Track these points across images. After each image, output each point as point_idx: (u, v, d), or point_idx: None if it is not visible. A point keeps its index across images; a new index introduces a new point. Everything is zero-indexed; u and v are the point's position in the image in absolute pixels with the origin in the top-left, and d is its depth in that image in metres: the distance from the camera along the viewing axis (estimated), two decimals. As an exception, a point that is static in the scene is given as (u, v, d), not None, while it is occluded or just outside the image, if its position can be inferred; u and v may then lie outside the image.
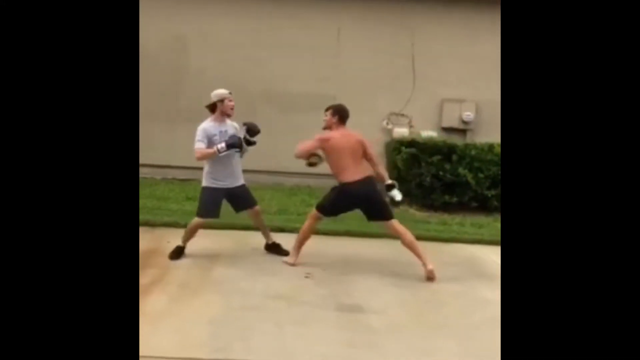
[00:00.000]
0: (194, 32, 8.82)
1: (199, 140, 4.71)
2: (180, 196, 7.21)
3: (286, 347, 3.20)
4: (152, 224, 5.75)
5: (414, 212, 7.29)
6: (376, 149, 8.60)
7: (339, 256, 5.25)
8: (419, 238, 5.81)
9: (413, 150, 7.58)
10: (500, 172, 7.51)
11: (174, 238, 5.32)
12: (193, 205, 6.76)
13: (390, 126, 8.80)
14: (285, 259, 4.91)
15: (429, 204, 7.53)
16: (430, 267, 4.64)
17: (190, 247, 5.14)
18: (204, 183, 4.86)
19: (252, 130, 4.82)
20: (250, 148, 4.90)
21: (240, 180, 4.96)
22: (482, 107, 8.90)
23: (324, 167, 9.26)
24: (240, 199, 4.97)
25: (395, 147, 7.88)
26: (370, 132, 8.78)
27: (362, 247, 5.35)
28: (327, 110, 4.97)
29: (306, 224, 4.91)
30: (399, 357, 3.18)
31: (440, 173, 7.47)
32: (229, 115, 4.89)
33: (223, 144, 4.62)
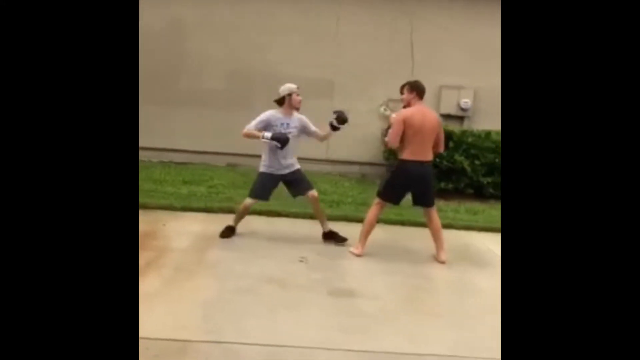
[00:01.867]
0: (193, 16, 8.77)
1: (254, 121, 5.04)
2: (177, 179, 7.22)
3: (278, 331, 3.23)
4: (148, 207, 5.76)
5: (410, 198, 7.30)
6: (375, 135, 8.69)
7: (333, 241, 5.27)
8: (415, 224, 5.87)
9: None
10: (496, 160, 7.53)
11: (170, 221, 5.36)
12: (189, 189, 6.81)
13: (388, 112, 8.77)
14: (351, 249, 4.91)
15: (442, 189, 7.53)
16: (443, 258, 4.76)
17: (188, 229, 5.17)
18: (260, 169, 5.15)
19: (340, 117, 5.11)
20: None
21: (296, 166, 5.18)
22: (480, 94, 8.89)
23: (320, 153, 9.30)
24: (294, 184, 5.14)
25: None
26: (368, 117, 8.80)
27: (358, 232, 5.36)
28: (402, 87, 4.97)
29: (370, 213, 4.91)
30: (391, 342, 3.22)
31: (437, 159, 7.45)
32: (297, 109, 5.15)
33: (268, 134, 4.87)
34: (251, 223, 5.56)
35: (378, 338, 3.25)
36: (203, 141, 8.63)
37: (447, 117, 8.85)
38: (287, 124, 5.05)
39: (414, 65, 8.73)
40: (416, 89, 4.85)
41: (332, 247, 5.07)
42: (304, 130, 5.18)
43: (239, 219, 5.18)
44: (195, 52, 8.79)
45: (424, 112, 4.81)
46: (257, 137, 4.93)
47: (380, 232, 5.32)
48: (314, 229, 5.48)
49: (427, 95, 9.36)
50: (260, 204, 6.19)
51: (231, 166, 8.68)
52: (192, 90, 8.78)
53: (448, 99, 8.82)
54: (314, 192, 5.14)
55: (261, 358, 2.88)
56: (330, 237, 5.19)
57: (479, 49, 8.83)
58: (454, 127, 8.09)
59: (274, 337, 3.14)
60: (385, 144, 5.08)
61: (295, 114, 5.15)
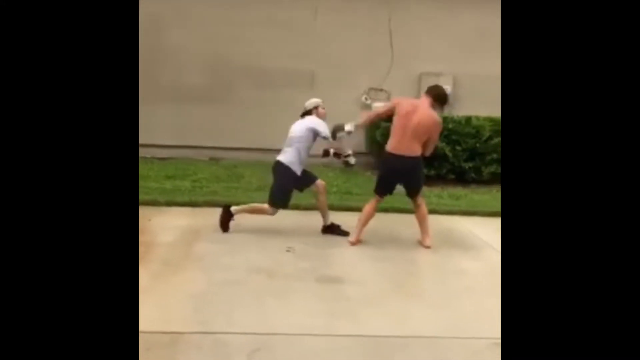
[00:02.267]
0: (171, 11, 8.71)
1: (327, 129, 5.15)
2: (160, 175, 7.21)
3: (267, 319, 3.28)
4: (132, 203, 5.74)
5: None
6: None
7: (319, 230, 5.32)
8: (399, 210, 5.94)
9: (391, 124, 7.63)
10: (477, 145, 7.63)
11: (155, 216, 5.36)
12: (173, 184, 6.81)
13: (369, 101, 8.84)
14: (349, 238, 4.96)
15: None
16: (428, 243, 4.86)
17: (173, 224, 5.19)
18: (296, 170, 5.13)
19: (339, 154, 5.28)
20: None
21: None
22: (459, 81, 8.96)
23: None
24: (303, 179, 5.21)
25: (375, 121, 7.93)
26: (350, 107, 8.83)
27: (343, 221, 5.42)
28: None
29: (367, 205, 4.96)
30: (378, 325, 3.28)
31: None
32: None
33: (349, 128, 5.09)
34: (236, 215, 5.58)
35: (365, 322, 3.32)
36: (185, 136, 8.62)
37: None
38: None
39: (394, 54, 8.78)
40: (432, 92, 4.92)
41: (318, 237, 5.12)
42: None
43: (246, 212, 5.19)
44: (174, 46, 8.74)
45: (417, 106, 4.79)
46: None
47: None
48: (300, 219, 5.53)
49: (407, 83, 9.50)
50: (244, 196, 6.23)
51: (214, 160, 8.68)
52: (173, 85, 8.74)
53: (428, 85, 8.88)
54: (319, 182, 5.24)
55: (251, 347, 2.93)
56: (330, 230, 5.21)
57: (457, 36, 8.91)
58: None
59: (263, 326, 3.19)
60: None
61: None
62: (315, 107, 5.28)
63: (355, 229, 4.92)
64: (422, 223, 4.95)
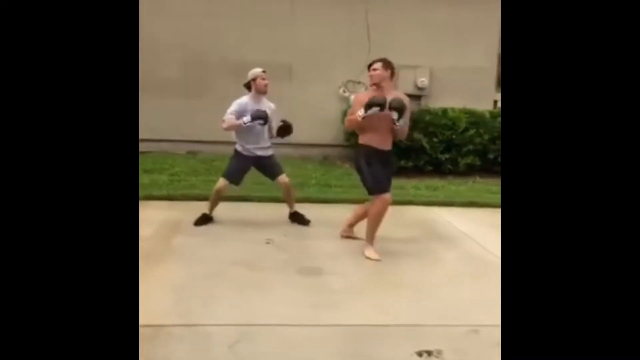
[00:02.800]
0: (146, 3, 8.58)
1: (229, 112, 5.06)
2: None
3: (248, 311, 3.29)
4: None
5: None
6: (335, 117, 8.74)
7: (296, 222, 5.34)
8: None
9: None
10: (453, 136, 7.73)
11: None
12: (150, 177, 6.75)
13: (347, 94, 8.86)
14: (367, 254, 4.41)
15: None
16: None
17: (152, 217, 5.15)
18: (237, 147, 5.23)
19: (283, 128, 5.25)
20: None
21: (269, 152, 5.24)
22: (435, 73, 9.04)
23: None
24: (267, 168, 5.23)
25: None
26: (328, 99, 8.87)
27: (322, 213, 5.46)
28: (373, 63, 4.37)
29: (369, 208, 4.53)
30: (359, 315, 3.32)
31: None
32: (263, 93, 5.13)
33: (248, 117, 4.92)
34: (215, 208, 5.56)
35: (348, 312, 3.35)
36: (162, 129, 8.54)
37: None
38: (258, 109, 5.05)
39: (371, 47, 8.81)
40: (391, 68, 4.37)
41: (298, 228, 5.14)
42: (272, 114, 5.20)
43: (213, 205, 5.19)
44: (148, 40, 8.60)
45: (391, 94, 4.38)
46: (238, 125, 4.96)
47: (346, 212, 5.40)
48: (279, 211, 5.53)
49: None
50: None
51: (191, 154, 8.63)
52: (148, 79, 8.61)
53: (405, 78, 8.94)
54: (283, 178, 5.21)
55: (233, 338, 2.93)
56: (295, 218, 5.28)
57: (434, 29, 8.99)
58: (412, 106, 8.22)
59: (244, 317, 3.19)
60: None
61: (265, 101, 5.19)
62: (254, 79, 5.07)
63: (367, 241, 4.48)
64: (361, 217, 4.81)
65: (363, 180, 4.42)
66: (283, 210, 5.46)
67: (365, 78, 8.13)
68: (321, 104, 8.82)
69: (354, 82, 8.92)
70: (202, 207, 5.61)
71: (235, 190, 6.29)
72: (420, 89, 8.94)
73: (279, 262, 4.20)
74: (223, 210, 5.48)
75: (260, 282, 3.76)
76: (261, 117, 4.91)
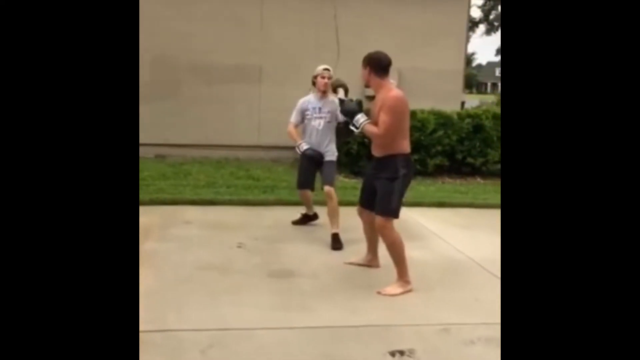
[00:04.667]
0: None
1: (293, 114, 5.02)
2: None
3: (220, 315, 3.27)
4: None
5: (343, 180, 7.47)
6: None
7: (270, 225, 5.34)
8: (348, 204, 6.00)
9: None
10: (421, 138, 7.82)
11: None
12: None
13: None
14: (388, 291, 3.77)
15: (356, 171, 7.73)
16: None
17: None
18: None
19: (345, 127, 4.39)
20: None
21: (327, 157, 4.89)
22: (404, 75, 9.12)
23: (252, 139, 9.27)
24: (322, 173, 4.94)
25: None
26: (298, 102, 8.86)
27: (293, 216, 5.45)
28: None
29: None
30: (331, 316, 3.33)
31: (366, 140, 7.63)
32: (322, 92, 4.87)
33: (305, 146, 4.83)
34: (185, 213, 5.52)
35: (318, 314, 3.36)
36: (130, 133, 8.42)
37: (373, 98, 9.06)
38: (319, 108, 4.89)
39: (340, 49, 8.85)
40: (370, 63, 3.88)
41: (268, 232, 5.12)
42: (336, 116, 4.82)
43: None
44: (115, 41, 8.53)
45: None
46: (294, 140, 4.90)
47: (319, 215, 5.42)
48: (249, 215, 5.51)
49: (353, 78, 9.46)
50: (192, 193, 6.17)
51: (160, 157, 8.53)
52: (115, 81, 8.53)
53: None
54: (327, 188, 4.80)
55: (205, 343, 2.91)
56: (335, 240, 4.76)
57: (403, 32, 9.09)
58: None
59: (216, 322, 3.17)
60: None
61: (331, 97, 4.86)
62: (315, 76, 4.91)
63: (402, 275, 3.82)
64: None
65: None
66: (255, 213, 5.44)
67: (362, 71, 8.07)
68: (292, 105, 8.80)
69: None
70: (171, 212, 5.57)
71: (204, 194, 6.26)
72: (389, 90, 9.01)
73: (250, 265, 4.19)
74: (192, 215, 5.44)
75: (232, 286, 3.74)
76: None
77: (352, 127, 3.88)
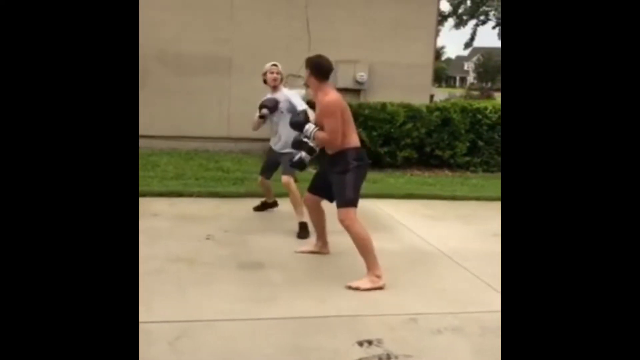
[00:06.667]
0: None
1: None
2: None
3: (188, 307, 3.25)
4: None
5: (312, 172, 7.47)
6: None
7: (240, 217, 5.32)
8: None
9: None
10: (392, 130, 7.88)
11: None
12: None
13: (286, 88, 8.85)
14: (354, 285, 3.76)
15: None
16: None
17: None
18: None
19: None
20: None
21: (286, 149, 4.80)
22: (374, 68, 9.19)
23: (222, 131, 9.20)
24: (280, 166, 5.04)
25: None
26: (267, 93, 8.82)
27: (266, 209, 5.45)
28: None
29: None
30: (299, 307, 3.34)
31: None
32: (272, 87, 5.07)
33: (264, 110, 4.95)
34: (152, 205, 5.46)
35: (287, 305, 3.37)
36: (96, 124, 8.27)
37: (344, 90, 9.09)
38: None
39: (311, 41, 8.84)
40: (312, 67, 3.88)
41: (238, 224, 5.11)
42: (291, 107, 4.84)
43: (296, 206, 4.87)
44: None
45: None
46: (260, 119, 5.04)
47: (286, 205, 5.42)
48: (219, 207, 5.48)
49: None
50: (160, 185, 6.10)
51: (128, 148, 8.40)
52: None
53: (345, 73, 9.04)
54: (285, 178, 4.86)
55: (173, 335, 2.90)
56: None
57: (373, 25, 9.12)
58: (351, 100, 8.32)
59: (184, 313, 3.16)
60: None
61: (284, 91, 5.06)
62: (264, 73, 5.16)
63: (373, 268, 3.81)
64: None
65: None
66: (225, 204, 5.42)
67: (304, 72, 8.12)
68: (262, 97, 8.78)
69: (294, 75, 8.92)
70: (141, 204, 5.49)
71: (172, 186, 6.20)
72: (359, 83, 9.06)
73: (219, 257, 4.17)
74: (160, 207, 5.38)
75: (201, 278, 3.73)
76: (268, 106, 4.89)
77: (304, 139, 3.97)
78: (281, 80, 5.15)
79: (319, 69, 3.86)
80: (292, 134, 4.44)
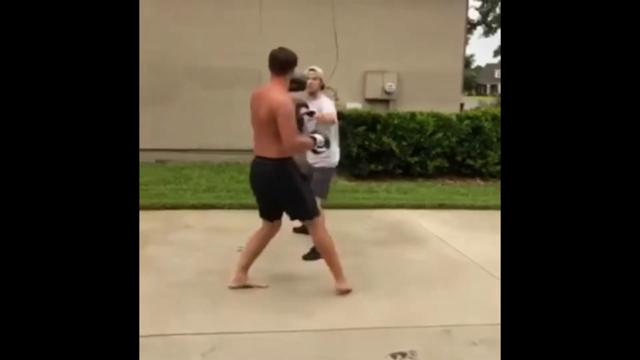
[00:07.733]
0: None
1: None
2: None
3: (221, 319, 3.27)
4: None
5: (343, 183, 7.47)
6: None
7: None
8: (348, 207, 6.03)
9: (339, 122, 7.73)
10: (421, 140, 7.83)
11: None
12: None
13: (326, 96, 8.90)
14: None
15: (356, 174, 7.74)
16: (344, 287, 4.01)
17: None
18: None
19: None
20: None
21: (318, 163, 4.46)
22: (402, 78, 9.17)
23: (228, 143, 9.22)
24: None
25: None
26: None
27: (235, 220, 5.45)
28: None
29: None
30: (332, 319, 3.33)
31: (366, 143, 7.67)
32: (310, 93, 4.54)
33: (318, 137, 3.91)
34: (185, 217, 5.53)
35: (320, 317, 3.36)
36: (129, 138, 8.43)
37: (373, 101, 9.11)
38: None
39: (338, 52, 8.87)
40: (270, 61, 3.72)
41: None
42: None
43: None
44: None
45: (258, 93, 3.78)
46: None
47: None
48: (250, 219, 5.49)
49: (352, 81, 9.49)
50: (193, 197, 6.17)
51: (160, 162, 8.53)
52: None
53: (373, 83, 9.06)
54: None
55: (206, 346, 2.91)
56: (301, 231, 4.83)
57: (399, 34, 9.11)
58: (381, 110, 8.32)
59: (217, 326, 3.18)
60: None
61: (323, 98, 4.57)
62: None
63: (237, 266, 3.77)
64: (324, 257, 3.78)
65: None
66: (254, 217, 5.42)
67: (333, 83, 8.14)
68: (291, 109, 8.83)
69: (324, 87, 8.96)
70: (172, 216, 5.57)
71: (204, 198, 6.26)
72: (388, 93, 9.05)
73: (250, 269, 4.16)
74: (192, 219, 5.44)
75: (233, 290, 3.74)
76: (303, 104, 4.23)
77: (319, 149, 3.85)
78: (322, 87, 4.60)
79: (270, 61, 3.76)
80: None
